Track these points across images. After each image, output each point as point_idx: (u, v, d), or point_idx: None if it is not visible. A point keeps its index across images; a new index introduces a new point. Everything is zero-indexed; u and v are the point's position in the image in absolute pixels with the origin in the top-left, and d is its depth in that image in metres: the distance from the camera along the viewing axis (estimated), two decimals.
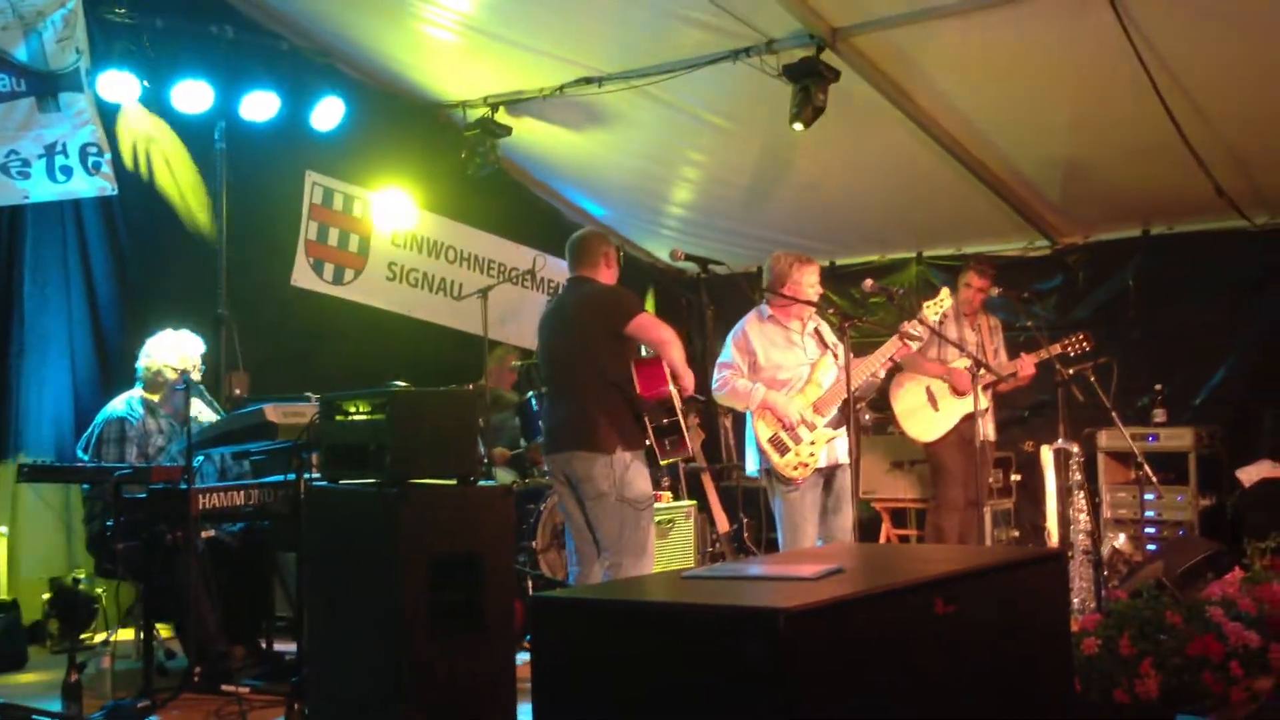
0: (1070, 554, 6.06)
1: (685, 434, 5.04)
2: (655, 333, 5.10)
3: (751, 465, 5.68)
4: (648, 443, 5.05)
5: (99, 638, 5.88)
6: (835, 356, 5.63)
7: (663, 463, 5.25)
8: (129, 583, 5.11)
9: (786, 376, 5.60)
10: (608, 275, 5.31)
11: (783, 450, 5.49)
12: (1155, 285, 8.09)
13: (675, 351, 5.05)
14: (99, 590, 6.06)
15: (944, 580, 2.88)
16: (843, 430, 5.52)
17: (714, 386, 5.70)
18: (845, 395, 5.34)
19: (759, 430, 5.54)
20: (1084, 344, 6.44)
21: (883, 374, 5.87)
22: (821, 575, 2.88)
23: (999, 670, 3.05)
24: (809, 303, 5.61)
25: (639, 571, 4.86)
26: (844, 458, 5.57)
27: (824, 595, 2.60)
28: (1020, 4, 5.81)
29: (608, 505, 4.90)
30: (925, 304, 5.73)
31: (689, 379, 5.13)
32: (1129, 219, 8.12)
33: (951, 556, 3.62)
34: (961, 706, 2.87)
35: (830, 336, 5.73)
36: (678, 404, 5.02)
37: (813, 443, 5.48)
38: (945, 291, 5.80)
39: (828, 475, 5.59)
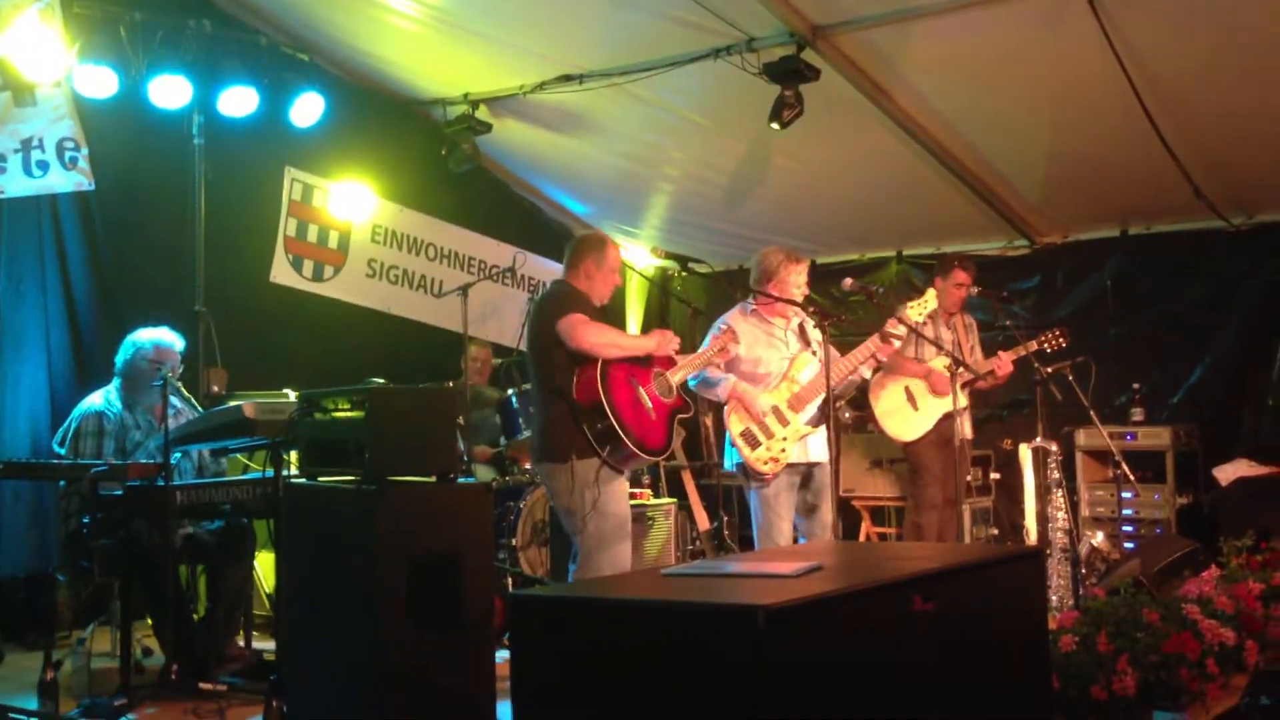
0: (1048, 552, 6.09)
1: (625, 439, 4.71)
2: (580, 339, 4.74)
3: (728, 460, 5.67)
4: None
5: (75, 635, 5.84)
6: (815, 354, 5.62)
7: (625, 470, 4.95)
8: (105, 580, 5.08)
9: (765, 371, 5.60)
10: (588, 283, 5.02)
11: (754, 444, 5.47)
12: (1133, 285, 8.14)
13: (614, 349, 4.79)
14: (75, 588, 6.02)
15: (922, 578, 2.90)
16: (820, 428, 5.51)
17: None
18: (824, 393, 5.33)
19: (731, 424, 5.52)
20: (1061, 339, 6.45)
21: (867, 373, 5.87)
22: (801, 573, 2.90)
23: (977, 667, 3.07)
24: (791, 302, 5.60)
25: (594, 574, 4.77)
26: (821, 456, 5.53)
27: (803, 592, 2.61)
28: (1000, 5, 5.83)
29: (567, 514, 4.85)
30: (909, 304, 5.70)
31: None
32: (1107, 219, 8.17)
33: (930, 554, 3.63)
34: (940, 703, 2.88)
35: (815, 334, 5.69)
36: (609, 408, 4.70)
37: (784, 438, 5.47)
38: (931, 292, 5.79)
39: (805, 473, 5.58)
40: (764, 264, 5.69)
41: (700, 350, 5.42)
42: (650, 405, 4.93)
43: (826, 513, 5.50)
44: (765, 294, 5.60)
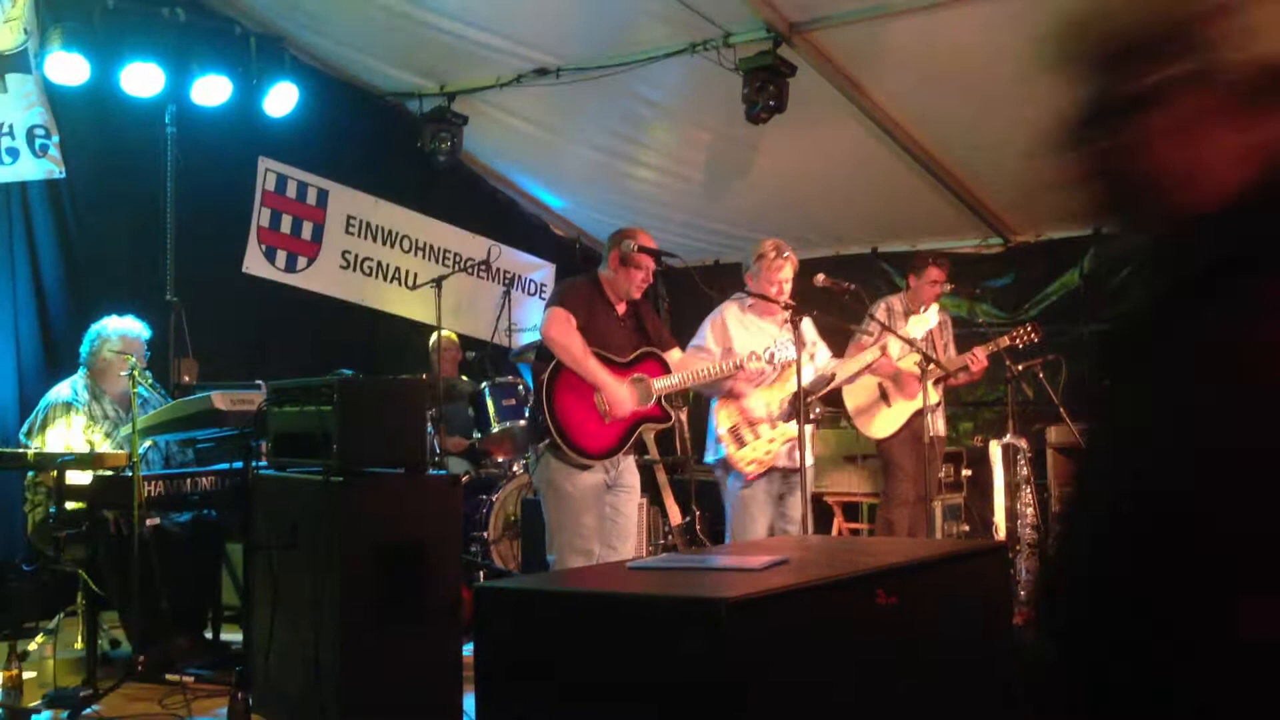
0: (1018, 548, 6.12)
1: (556, 437, 4.65)
2: (545, 331, 4.77)
3: (710, 454, 5.47)
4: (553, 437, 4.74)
5: (41, 626, 5.80)
6: (813, 357, 5.41)
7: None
8: (72, 570, 5.05)
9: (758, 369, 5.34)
10: (611, 277, 4.98)
11: (740, 443, 5.30)
12: (1106, 283, 8.18)
13: (566, 358, 4.71)
14: (41, 578, 5.96)
15: (885, 572, 2.91)
16: (808, 430, 5.29)
17: None
18: (798, 391, 5.22)
19: (719, 418, 5.35)
20: (1032, 335, 6.45)
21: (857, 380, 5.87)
22: (766, 566, 2.90)
23: (940, 660, 3.08)
24: (785, 305, 5.32)
25: (556, 555, 4.78)
26: (806, 461, 5.24)
27: (766, 585, 2.62)
28: (975, 4, 5.86)
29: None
30: (912, 317, 5.77)
31: (611, 395, 4.73)
32: (1081, 217, 8.21)
33: (895, 549, 3.65)
34: (903, 696, 2.90)
35: (811, 334, 5.47)
36: (545, 405, 4.65)
37: (772, 440, 5.30)
38: (935, 308, 5.82)
39: (785, 476, 5.40)
40: (754, 254, 5.47)
41: (702, 364, 5.17)
42: (605, 409, 4.79)
43: (795, 508, 5.31)
44: (759, 295, 5.36)
